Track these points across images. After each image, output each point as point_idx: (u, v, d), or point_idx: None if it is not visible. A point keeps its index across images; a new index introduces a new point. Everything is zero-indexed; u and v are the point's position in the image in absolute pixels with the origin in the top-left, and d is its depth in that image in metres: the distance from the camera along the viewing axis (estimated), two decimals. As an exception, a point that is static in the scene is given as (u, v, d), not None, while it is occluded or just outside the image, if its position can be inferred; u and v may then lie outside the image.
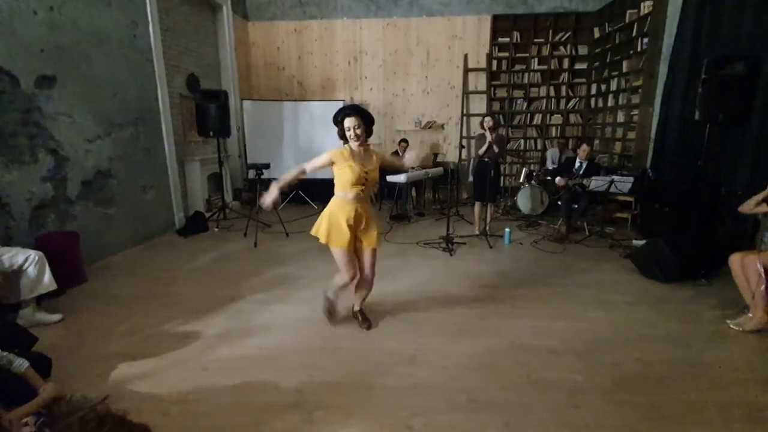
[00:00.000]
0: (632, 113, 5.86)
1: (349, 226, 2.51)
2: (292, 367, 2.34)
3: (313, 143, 6.99)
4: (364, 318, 2.83)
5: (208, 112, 5.35)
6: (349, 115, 2.45)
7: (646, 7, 5.54)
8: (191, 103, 5.63)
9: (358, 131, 2.45)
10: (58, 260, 2.97)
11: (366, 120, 2.50)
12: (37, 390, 1.83)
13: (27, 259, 2.71)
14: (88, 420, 0.94)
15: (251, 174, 5.72)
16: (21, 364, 1.84)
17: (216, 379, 2.22)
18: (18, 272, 2.69)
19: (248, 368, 2.32)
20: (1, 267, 2.58)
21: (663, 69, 5.16)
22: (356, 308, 2.87)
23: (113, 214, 4.28)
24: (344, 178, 2.49)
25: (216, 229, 5.34)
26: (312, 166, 2.51)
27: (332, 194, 2.61)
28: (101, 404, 1.02)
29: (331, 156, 2.49)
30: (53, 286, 2.82)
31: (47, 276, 2.79)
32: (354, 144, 2.49)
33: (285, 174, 2.56)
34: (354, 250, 2.61)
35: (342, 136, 2.52)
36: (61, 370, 2.20)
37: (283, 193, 2.60)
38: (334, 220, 2.53)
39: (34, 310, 2.78)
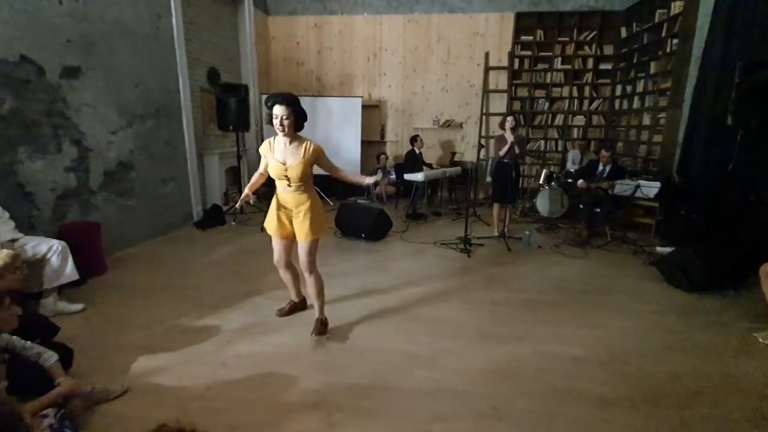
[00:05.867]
0: (659, 116, 5.69)
1: (278, 214, 2.55)
2: (311, 366, 2.32)
3: (330, 139, 6.96)
4: (318, 326, 2.66)
5: (228, 106, 5.35)
6: (280, 103, 2.32)
7: (676, 7, 5.37)
8: (211, 97, 5.65)
9: (285, 122, 2.32)
10: (80, 250, 3.00)
11: (296, 111, 2.37)
12: (53, 380, 1.83)
13: (50, 249, 2.74)
14: None
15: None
16: (50, 357, 1.85)
17: (234, 375, 2.21)
18: (41, 261, 2.71)
19: (267, 365, 2.30)
20: (25, 256, 2.60)
21: (693, 71, 4.99)
22: (316, 314, 2.73)
23: (133, 206, 4.31)
24: (270, 169, 2.49)
25: (233, 223, 5.36)
26: (263, 168, 2.56)
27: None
28: (171, 420, 1.02)
29: (262, 152, 2.52)
30: (75, 276, 2.85)
31: (69, 266, 2.82)
32: (279, 135, 2.39)
33: (252, 182, 2.64)
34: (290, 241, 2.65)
35: (270, 121, 2.40)
36: (82, 360, 2.21)
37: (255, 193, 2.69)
38: (271, 208, 2.61)
39: (56, 300, 2.81)
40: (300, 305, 2.96)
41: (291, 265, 2.78)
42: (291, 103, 2.35)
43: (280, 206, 2.56)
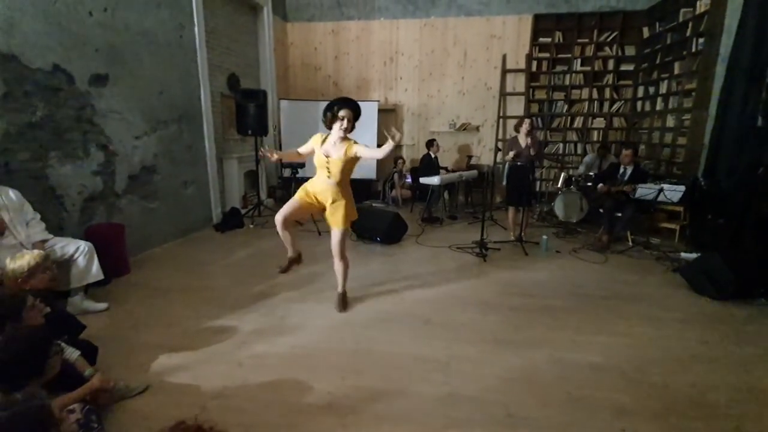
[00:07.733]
0: (683, 118, 5.53)
1: (308, 193, 2.84)
2: (325, 367, 2.33)
3: (347, 143, 7.00)
4: (341, 301, 3.08)
5: (248, 111, 5.47)
6: (348, 106, 2.70)
7: (702, 6, 5.22)
8: (231, 102, 5.77)
9: (348, 124, 2.68)
10: (105, 251, 3.11)
11: (356, 117, 2.74)
12: (82, 375, 1.90)
13: (77, 250, 2.85)
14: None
15: (286, 172, 5.81)
16: (73, 352, 1.92)
17: (251, 375, 2.24)
18: (69, 262, 2.82)
19: (282, 367, 2.33)
20: (54, 256, 2.70)
21: (720, 71, 4.84)
22: (338, 290, 3.12)
23: (156, 208, 4.44)
24: (314, 158, 2.83)
25: (251, 226, 5.45)
26: (304, 151, 2.89)
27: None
28: (190, 418, 1.05)
29: (313, 139, 2.84)
30: (101, 276, 2.95)
31: (95, 266, 2.92)
32: (340, 133, 2.70)
33: (287, 150, 2.90)
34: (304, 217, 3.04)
35: (330, 124, 2.74)
36: (105, 357, 2.28)
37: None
38: (304, 187, 2.91)
39: (83, 299, 2.91)
40: (297, 259, 3.14)
41: (291, 227, 2.98)
42: (356, 108, 2.73)
43: (311, 191, 2.85)
